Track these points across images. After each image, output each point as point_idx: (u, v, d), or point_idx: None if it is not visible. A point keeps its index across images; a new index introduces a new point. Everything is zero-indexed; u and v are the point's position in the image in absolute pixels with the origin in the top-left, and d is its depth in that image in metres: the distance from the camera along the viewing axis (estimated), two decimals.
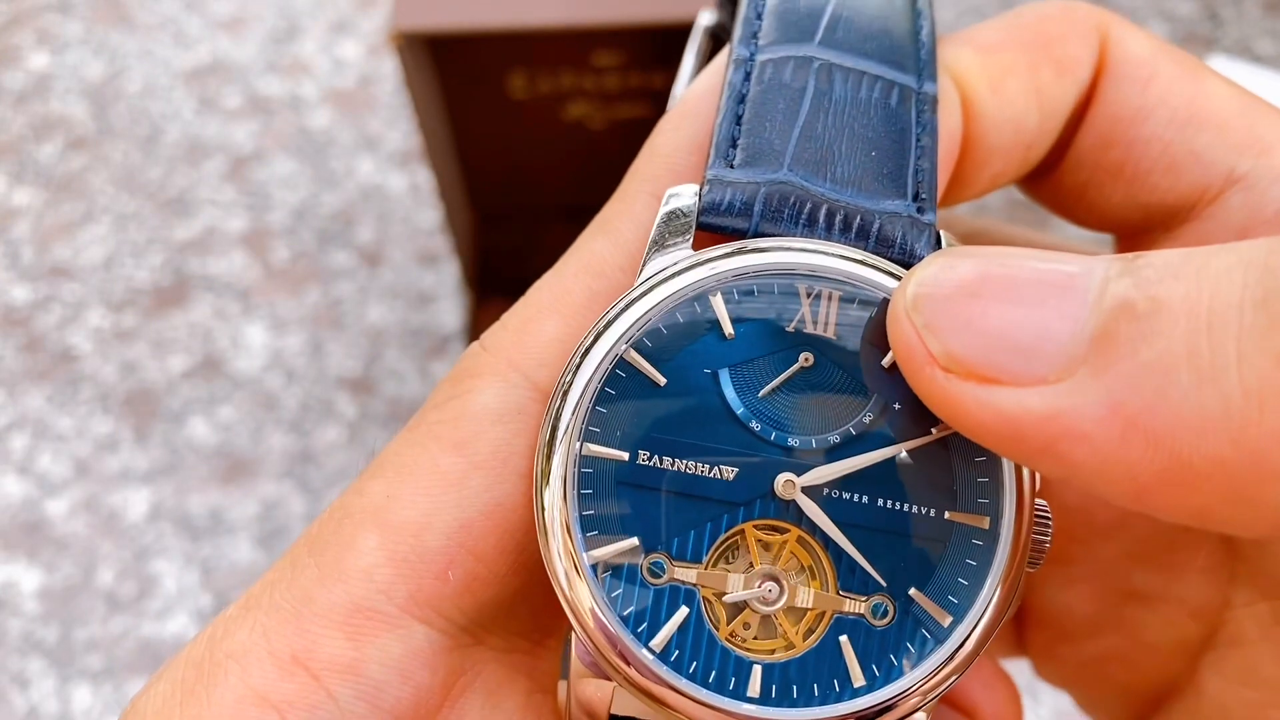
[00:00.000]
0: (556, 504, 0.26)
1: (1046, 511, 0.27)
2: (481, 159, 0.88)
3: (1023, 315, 0.23)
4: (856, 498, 0.27)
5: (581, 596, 0.26)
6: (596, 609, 0.26)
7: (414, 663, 0.27)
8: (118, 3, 1.11)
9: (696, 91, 0.31)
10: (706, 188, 0.28)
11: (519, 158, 0.90)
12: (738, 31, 0.31)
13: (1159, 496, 0.22)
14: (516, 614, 0.29)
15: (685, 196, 0.28)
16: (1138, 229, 0.33)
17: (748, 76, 0.30)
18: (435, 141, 0.83)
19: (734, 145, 0.29)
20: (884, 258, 0.28)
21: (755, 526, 0.27)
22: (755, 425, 0.27)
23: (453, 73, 0.80)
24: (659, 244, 0.28)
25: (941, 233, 0.29)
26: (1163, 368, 0.21)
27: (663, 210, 0.28)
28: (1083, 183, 0.33)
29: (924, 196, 0.29)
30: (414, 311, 0.94)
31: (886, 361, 0.27)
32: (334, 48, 1.08)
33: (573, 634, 0.27)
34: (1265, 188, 0.30)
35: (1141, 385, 0.21)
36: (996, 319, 0.23)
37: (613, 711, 0.27)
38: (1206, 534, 0.34)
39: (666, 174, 0.30)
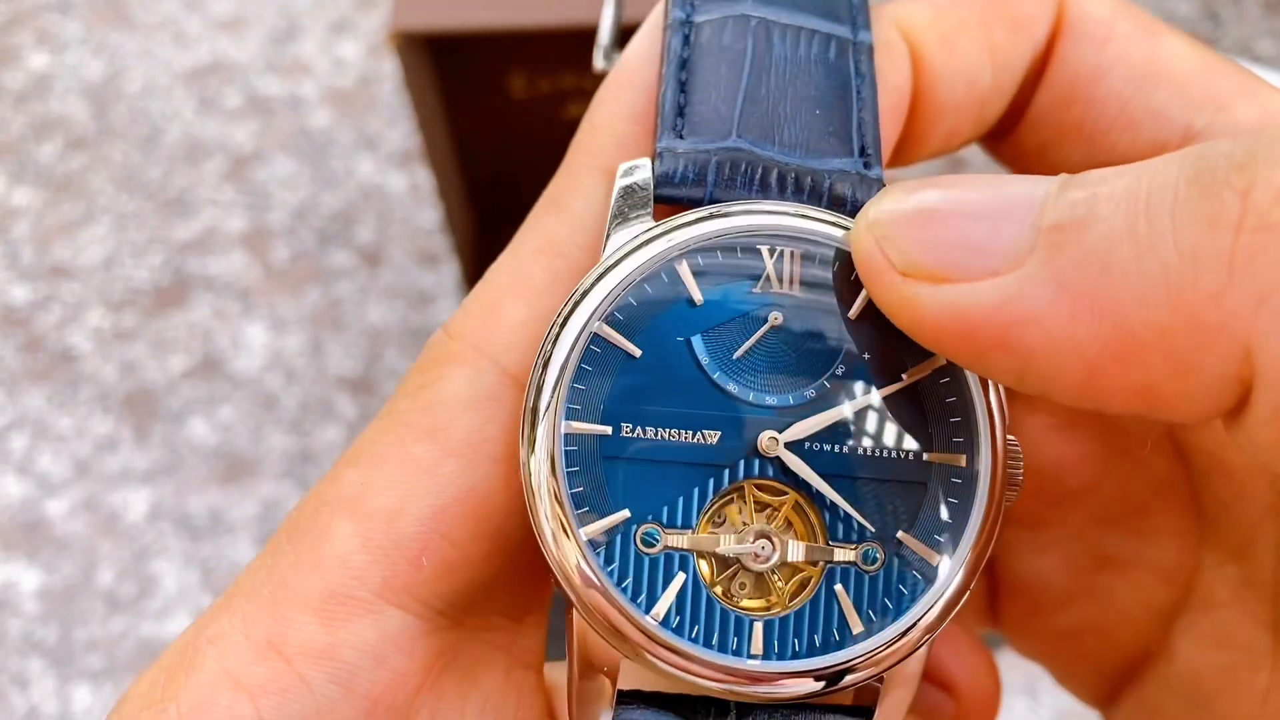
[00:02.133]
0: (545, 484, 0.27)
1: (1016, 446, 0.28)
2: (481, 159, 0.88)
3: (976, 223, 0.24)
4: (837, 448, 0.27)
5: (581, 577, 0.27)
6: (597, 585, 0.26)
7: (389, 647, 0.27)
8: (118, 3, 1.11)
9: (630, 60, 0.31)
10: (659, 160, 0.29)
11: (519, 158, 0.90)
12: None
13: (1107, 376, 0.23)
14: (494, 596, 0.30)
15: (639, 170, 0.29)
16: None
17: (686, 40, 0.30)
18: (435, 141, 0.83)
19: (680, 113, 0.29)
20: (842, 214, 0.28)
21: (757, 487, 0.27)
22: (732, 388, 0.27)
23: (453, 73, 0.80)
24: (620, 217, 0.28)
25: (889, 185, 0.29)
26: (1107, 246, 0.22)
27: (619, 185, 0.29)
28: (1043, 142, 0.33)
29: (869, 151, 0.29)
30: (414, 311, 0.94)
31: (853, 313, 0.27)
32: (334, 48, 1.08)
33: (571, 619, 0.27)
34: None
35: (1086, 264, 0.22)
36: (953, 229, 0.24)
37: (620, 688, 0.27)
38: (1176, 495, 0.34)
39: (611, 146, 0.30)
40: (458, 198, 0.89)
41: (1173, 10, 1.05)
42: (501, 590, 0.30)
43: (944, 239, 0.24)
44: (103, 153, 1.02)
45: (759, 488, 0.27)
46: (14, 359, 0.92)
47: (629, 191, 0.29)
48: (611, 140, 0.30)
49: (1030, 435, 0.36)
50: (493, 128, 0.86)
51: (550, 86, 0.82)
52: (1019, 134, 0.34)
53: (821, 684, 0.26)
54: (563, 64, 0.81)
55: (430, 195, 0.99)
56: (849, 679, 0.27)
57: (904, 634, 0.27)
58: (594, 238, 0.29)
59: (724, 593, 0.27)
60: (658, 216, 0.28)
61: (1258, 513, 0.31)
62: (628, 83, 0.31)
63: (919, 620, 0.27)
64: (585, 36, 0.78)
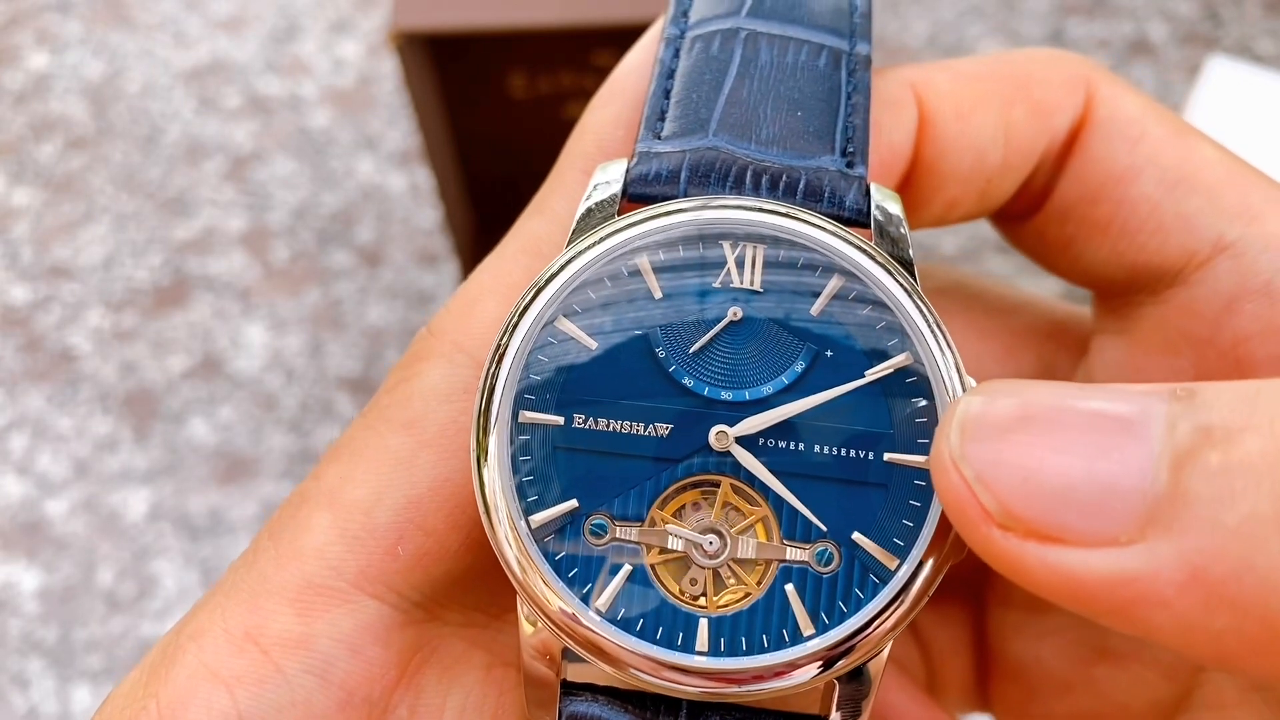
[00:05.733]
0: (494, 472, 0.27)
1: None
2: (481, 159, 0.88)
3: (1083, 466, 0.22)
4: (793, 445, 0.27)
5: (524, 562, 0.26)
6: (539, 573, 0.26)
7: (364, 637, 0.27)
8: (118, 3, 1.11)
9: (623, 70, 0.31)
10: (635, 160, 0.29)
11: (519, 158, 0.89)
12: (669, 11, 0.31)
13: (1244, 661, 0.21)
14: (473, 590, 0.30)
15: (615, 170, 0.29)
16: (1122, 288, 0.33)
17: (677, 53, 0.30)
18: (435, 141, 0.82)
19: (662, 118, 0.29)
20: (814, 211, 0.28)
21: (733, 488, 0.27)
22: (688, 382, 0.27)
23: (453, 72, 0.80)
24: (589, 215, 0.29)
25: (872, 185, 0.29)
26: (1248, 532, 0.20)
27: (592, 185, 0.29)
28: (1068, 235, 0.33)
29: (853, 151, 0.29)
30: (414, 311, 0.94)
31: (815, 309, 0.27)
32: (334, 47, 1.08)
33: (519, 604, 0.27)
34: (1254, 256, 0.30)
35: (1226, 551, 0.20)
36: (1054, 471, 0.22)
37: (571, 679, 0.27)
38: None
39: (596, 150, 0.30)
40: (458, 198, 0.89)
41: (1173, 10, 1.05)
42: (480, 586, 0.30)
43: (1046, 485, 0.21)
44: (103, 153, 1.02)
45: (735, 490, 0.27)
46: (14, 359, 0.92)
47: (600, 191, 0.29)
48: (596, 144, 0.30)
49: None
50: (493, 128, 0.86)
51: (550, 86, 0.82)
52: (1040, 223, 0.33)
53: (766, 684, 0.26)
54: (563, 64, 0.81)
55: (430, 195, 0.99)
56: (796, 681, 0.26)
57: (856, 636, 0.26)
58: None
59: (675, 589, 0.27)
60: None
61: None
62: (618, 91, 0.31)
63: (874, 624, 0.26)
64: (585, 36, 0.78)
